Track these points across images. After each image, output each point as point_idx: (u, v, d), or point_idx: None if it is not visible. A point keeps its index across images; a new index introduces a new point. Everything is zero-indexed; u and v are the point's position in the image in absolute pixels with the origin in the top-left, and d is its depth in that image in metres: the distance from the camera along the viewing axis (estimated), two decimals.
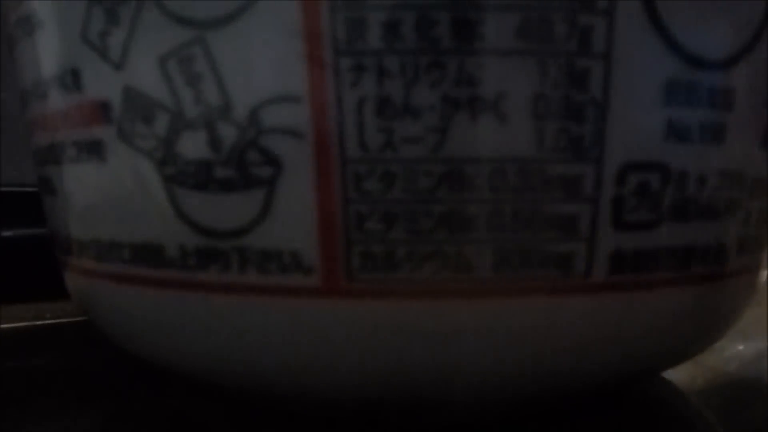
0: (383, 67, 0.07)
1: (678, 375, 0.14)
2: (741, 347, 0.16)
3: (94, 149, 0.09)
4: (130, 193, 0.09)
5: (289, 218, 0.08)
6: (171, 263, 0.09)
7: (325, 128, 0.07)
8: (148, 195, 0.09)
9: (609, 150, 0.08)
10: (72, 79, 0.09)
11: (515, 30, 0.07)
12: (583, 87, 0.08)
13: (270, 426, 0.11)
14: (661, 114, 0.08)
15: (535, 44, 0.07)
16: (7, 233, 0.19)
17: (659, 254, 0.08)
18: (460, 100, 0.07)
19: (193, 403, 0.12)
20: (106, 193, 0.09)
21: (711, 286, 0.09)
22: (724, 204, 0.09)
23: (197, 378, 0.10)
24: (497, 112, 0.07)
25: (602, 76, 0.07)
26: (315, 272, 0.08)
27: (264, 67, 0.08)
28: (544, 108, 0.07)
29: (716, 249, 0.09)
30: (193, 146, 0.08)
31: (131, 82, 0.08)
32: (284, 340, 0.08)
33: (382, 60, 0.07)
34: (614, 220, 0.08)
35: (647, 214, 0.08)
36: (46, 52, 0.09)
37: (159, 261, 0.09)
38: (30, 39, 0.10)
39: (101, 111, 0.09)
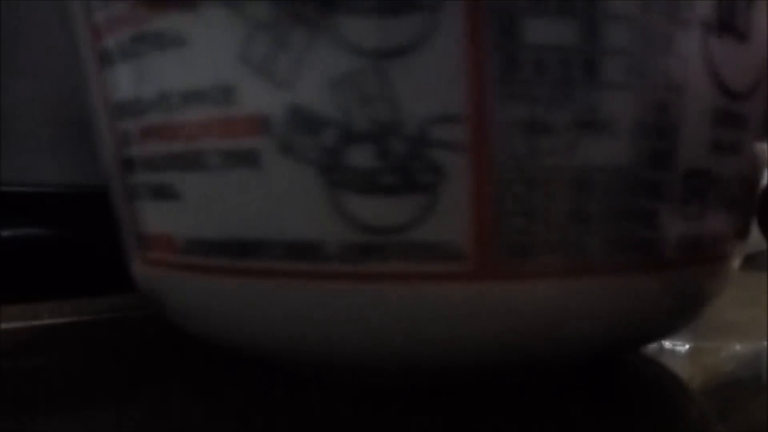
0: (531, 95, 0.09)
1: (676, 374, 0.14)
2: (739, 347, 0.17)
3: (247, 158, 0.10)
4: (286, 197, 0.10)
5: (448, 217, 0.10)
6: (329, 258, 0.10)
7: (483, 142, 0.09)
8: (308, 198, 0.10)
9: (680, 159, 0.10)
10: (223, 94, 0.10)
11: (625, 70, 0.10)
12: (664, 113, 0.10)
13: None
14: (710, 134, 0.11)
15: (636, 81, 0.10)
16: (7, 233, 0.18)
17: (705, 239, 0.11)
18: (585, 122, 0.09)
19: (196, 403, 0.13)
20: (255, 197, 0.10)
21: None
22: (733, 201, 0.12)
23: (315, 361, 0.11)
24: (610, 132, 0.10)
25: (677, 105, 0.10)
26: (468, 260, 0.10)
27: (434, 91, 0.09)
28: (641, 130, 0.10)
29: (723, 236, 0.12)
30: (360, 157, 0.09)
31: (298, 100, 0.09)
32: (435, 320, 0.10)
33: (530, 89, 0.09)
34: (681, 213, 0.10)
35: (698, 208, 0.11)
36: (184, 67, 0.10)
37: (316, 256, 0.10)
38: (159, 54, 0.10)
39: (259, 125, 0.10)
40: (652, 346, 0.16)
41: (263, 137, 0.10)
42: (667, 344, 0.16)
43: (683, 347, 0.16)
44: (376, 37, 0.09)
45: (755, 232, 0.13)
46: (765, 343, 0.16)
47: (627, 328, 0.11)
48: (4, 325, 0.18)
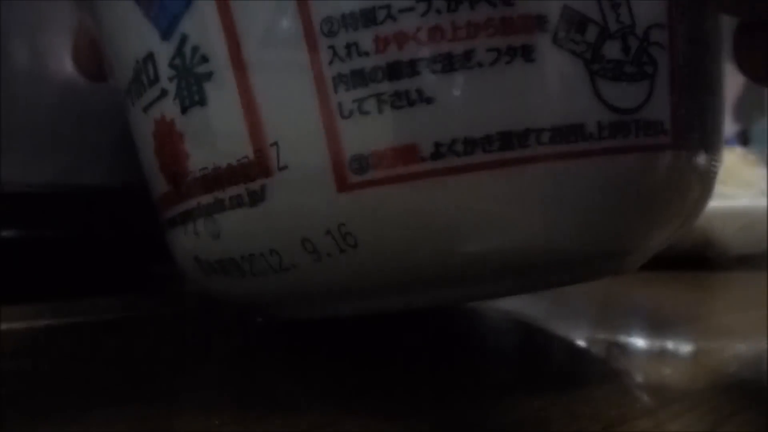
0: (689, 16, 0.13)
1: (678, 376, 0.15)
2: (740, 348, 0.17)
3: (521, 53, 0.11)
4: (556, 86, 0.12)
5: (659, 99, 0.12)
6: (589, 136, 0.12)
7: (676, 46, 0.13)
8: (575, 86, 0.12)
9: None
10: None
11: None
12: None
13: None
14: None
15: None
16: (7, 233, 0.18)
17: None
18: None
19: (196, 403, 0.13)
20: (527, 89, 0.11)
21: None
22: None
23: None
24: None
25: None
26: (670, 133, 0.13)
27: (651, 4, 0.12)
28: None
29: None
30: (613, 50, 0.12)
31: (569, 2, 0.12)
32: (640, 186, 0.13)
33: (686, 12, 0.13)
34: None
35: None
36: None
37: (579, 136, 0.12)
38: None
39: (535, 23, 0.11)
40: (654, 347, 0.17)
41: (540, 34, 0.11)
42: (670, 345, 0.17)
43: (686, 348, 0.17)
44: None
45: (755, 233, 0.18)
46: (767, 344, 0.16)
47: None
48: (5, 326, 0.18)
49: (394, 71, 0.11)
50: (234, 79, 0.12)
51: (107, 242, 0.18)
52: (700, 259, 0.34)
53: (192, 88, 0.13)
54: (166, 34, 0.13)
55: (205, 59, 0.13)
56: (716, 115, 0.14)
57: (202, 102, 0.13)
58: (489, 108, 0.11)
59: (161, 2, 0.13)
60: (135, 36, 0.14)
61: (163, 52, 0.13)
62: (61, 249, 0.19)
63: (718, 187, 0.15)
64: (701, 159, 0.14)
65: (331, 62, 0.12)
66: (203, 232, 0.14)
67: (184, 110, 0.13)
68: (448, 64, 0.11)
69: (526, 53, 0.11)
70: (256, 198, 0.13)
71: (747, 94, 0.60)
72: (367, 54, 0.11)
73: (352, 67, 0.12)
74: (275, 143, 0.12)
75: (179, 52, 0.13)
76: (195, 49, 0.13)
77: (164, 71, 0.13)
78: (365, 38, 0.11)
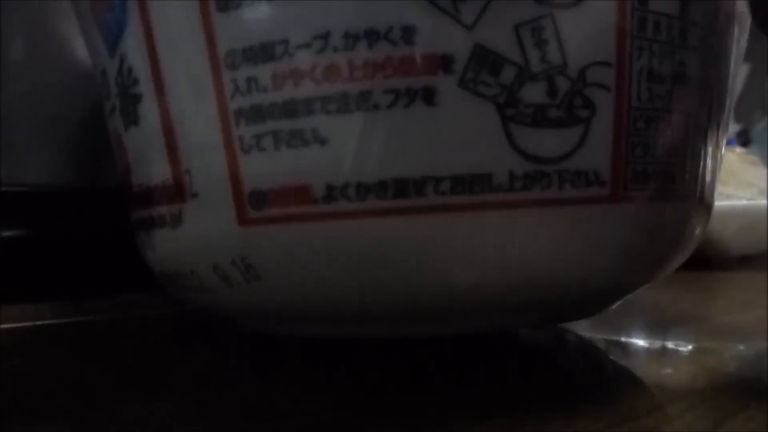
0: (652, 50, 0.12)
1: (679, 376, 0.14)
2: (741, 348, 0.17)
3: (422, 95, 0.11)
4: (460, 132, 0.11)
5: (595, 146, 0.11)
6: (498, 188, 0.11)
7: (623, 85, 0.11)
8: (483, 132, 0.11)
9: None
10: (402, 34, 0.10)
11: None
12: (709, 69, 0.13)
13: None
14: None
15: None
16: (7, 233, 0.18)
17: None
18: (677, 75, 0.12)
19: (196, 404, 0.13)
20: (427, 134, 0.11)
21: None
22: None
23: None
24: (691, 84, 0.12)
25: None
26: (607, 185, 0.11)
27: (592, 39, 0.11)
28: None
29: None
30: (534, 93, 0.11)
31: (482, 40, 0.11)
32: (576, 240, 0.11)
33: (651, 45, 0.12)
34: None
35: None
36: (356, 7, 0.10)
37: (485, 187, 0.11)
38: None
39: (440, 63, 0.11)
40: (655, 348, 0.17)
41: (442, 76, 0.11)
42: (670, 344, 0.17)
43: (686, 348, 0.17)
44: None
45: (755, 233, 0.16)
46: (767, 344, 0.16)
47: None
48: (5, 325, 0.18)
49: (290, 109, 0.11)
50: (156, 103, 0.12)
51: (107, 242, 0.18)
52: (701, 259, 0.32)
53: (129, 108, 0.13)
54: (111, 52, 0.13)
55: (136, 81, 0.13)
56: (701, 161, 0.13)
57: (135, 122, 0.13)
58: (385, 153, 0.11)
59: (106, 21, 0.13)
60: (94, 51, 0.14)
61: (111, 69, 0.14)
62: (60, 249, 0.19)
63: (719, 187, 0.14)
64: (662, 213, 0.12)
65: (233, 95, 0.11)
66: (145, 244, 0.14)
67: (125, 127, 0.14)
68: (343, 104, 0.11)
69: (427, 96, 0.11)
70: (176, 221, 0.13)
71: (747, 94, 0.56)
72: (265, 90, 0.11)
73: (251, 101, 0.11)
74: (188, 170, 0.12)
75: (120, 70, 0.13)
76: (129, 69, 0.13)
77: (112, 88, 0.14)
78: (264, 74, 0.11)
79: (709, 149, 0.13)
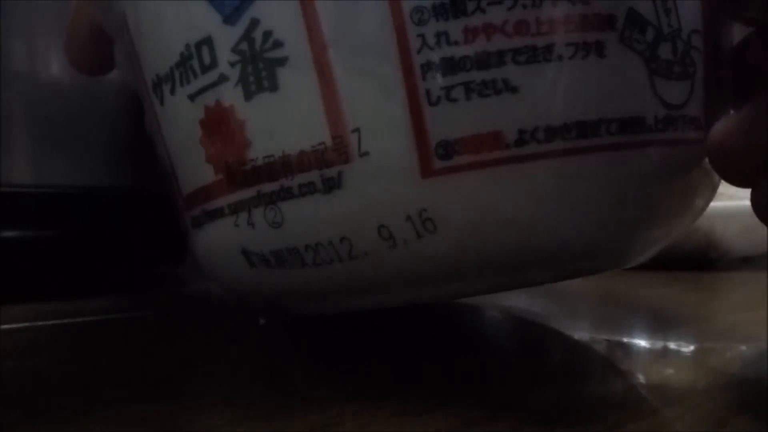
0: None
1: (681, 376, 0.15)
2: (743, 348, 0.17)
3: (595, 48, 0.12)
4: (623, 80, 0.12)
5: (698, 98, 0.14)
6: (649, 128, 0.13)
7: (707, 49, 0.14)
8: (637, 81, 0.13)
9: None
10: None
11: None
12: None
13: None
14: None
15: None
16: (7, 233, 0.18)
17: None
18: None
19: (196, 404, 0.13)
20: (599, 81, 0.12)
21: None
22: None
23: None
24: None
25: None
26: (701, 129, 0.14)
27: (693, 11, 0.14)
28: None
29: None
30: (665, 51, 0.13)
31: (633, 5, 0.13)
32: (690, 172, 0.14)
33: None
34: None
35: None
36: None
37: (641, 128, 0.13)
38: None
39: (607, 21, 0.12)
40: (657, 348, 0.17)
41: (609, 32, 0.12)
42: (672, 345, 0.17)
43: (688, 348, 0.17)
44: None
45: (757, 234, 0.18)
46: None
47: None
48: (6, 326, 0.18)
49: (482, 61, 0.12)
50: (312, 65, 0.12)
51: (107, 242, 0.17)
52: (703, 260, 0.34)
53: (260, 74, 0.13)
54: (230, 18, 0.13)
55: (278, 44, 0.12)
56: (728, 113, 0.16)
57: (272, 88, 0.13)
58: (567, 98, 0.12)
59: None
60: (186, 20, 0.13)
61: (225, 36, 0.13)
62: (61, 249, 0.18)
63: (720, 188, 0.16)
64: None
65: (420, 50, 0.12)
66: (261, 221, 0.13)
67: (248, 96, 0.13)
68: (532, 56, 0.12)
69: (599, 49, 0.12)
70: (332, 185, 0.12)
71: None
72: (456, 43, 0.12)
73: (441, 55, 0.12)
74: (357, 129, 0.12)
75: (247, 36, 0.13)
76: (267, 33, 0.12)
77: (224, 56, 0.13)
78: (455, 28, 0.12)
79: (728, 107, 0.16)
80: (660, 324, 0.21)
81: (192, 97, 0.14)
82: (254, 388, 0.14)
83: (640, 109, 0.13)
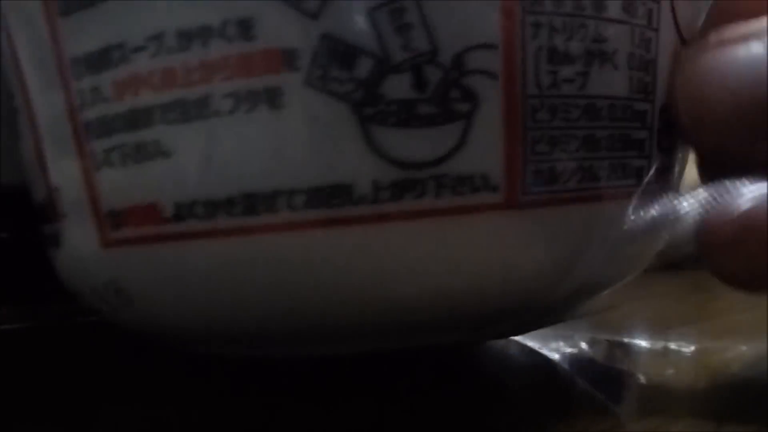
0: (553, 25, 0.10)
1: (681, 376, 0.14)
2: (744, 348, 0.16)
3: (265, 98, 0.09)
4: (311, 138, 0.09)
5: (481, 145, 0.09)
6: (360, 200, 0.09)
7: (513, 70, 0.09)
8: (338, 137, 0.09)
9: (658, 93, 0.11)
10: (238, 29, 0.09)
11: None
12: (647, 49, 0.11)
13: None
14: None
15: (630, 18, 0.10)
16: (6, 233, 0.18)
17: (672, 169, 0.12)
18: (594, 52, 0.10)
19: (197, 405, 0.12)
20: (273, 142, 0.09)
21: None
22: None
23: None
24: (613, 63, 0.10)
25: (656, 41, 0.11)
26: (499, 190, 0.10)
27: (469, 20, 0.09)
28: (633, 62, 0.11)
29: None
30: (397, 87, 0.09)
31: (330, 30, 0.09)
32: (469, 251, 0.10)
33: (552, 19, 0.10)
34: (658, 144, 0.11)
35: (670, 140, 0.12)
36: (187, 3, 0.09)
37: (345, 200, 0.09)
38: None
39: (282, 59, 0.09)
40: (657, 348, 0.17)
41: (287, 73, 0.09)
42: (672, 345, 0.17)
43: (689, 348, 0.17)
44: None
45: None
46: None
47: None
48: (6, 326, 0.18)
49: (132, 120, 0.10)
50: (26, 116, 0.12)
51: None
52: (703, 260, 0.29)
53: (11, 122, 0.13)
54: None
55: (11, 95, 0.12)
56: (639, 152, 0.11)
57: (18, 136, 0.12)
58: (231, 165, 0.10)
59: None
60: None
61: None
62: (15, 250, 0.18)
63: None
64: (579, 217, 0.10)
65: (81, 107, 0.10)
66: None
67: (14, 140, 0.13)
68: (183, 112, 0.10)
69: (271, 98, 0.09)
70: (55, 242, 0.12)
71: None
72: (107, 100, 0.10)
73: (97, 113, 0.10)
74: (57, 188, 0.11)
75: None
76: (5, 82, 0.12)
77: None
78: (105, 82, 0.10)
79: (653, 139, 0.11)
80: (660, 324, 0.20)
81: None
82: (251, 394, 0.13)
83: (343, 174, 0.09)
